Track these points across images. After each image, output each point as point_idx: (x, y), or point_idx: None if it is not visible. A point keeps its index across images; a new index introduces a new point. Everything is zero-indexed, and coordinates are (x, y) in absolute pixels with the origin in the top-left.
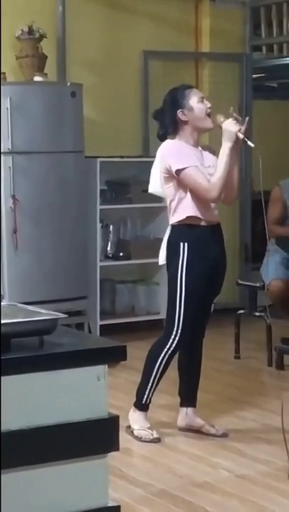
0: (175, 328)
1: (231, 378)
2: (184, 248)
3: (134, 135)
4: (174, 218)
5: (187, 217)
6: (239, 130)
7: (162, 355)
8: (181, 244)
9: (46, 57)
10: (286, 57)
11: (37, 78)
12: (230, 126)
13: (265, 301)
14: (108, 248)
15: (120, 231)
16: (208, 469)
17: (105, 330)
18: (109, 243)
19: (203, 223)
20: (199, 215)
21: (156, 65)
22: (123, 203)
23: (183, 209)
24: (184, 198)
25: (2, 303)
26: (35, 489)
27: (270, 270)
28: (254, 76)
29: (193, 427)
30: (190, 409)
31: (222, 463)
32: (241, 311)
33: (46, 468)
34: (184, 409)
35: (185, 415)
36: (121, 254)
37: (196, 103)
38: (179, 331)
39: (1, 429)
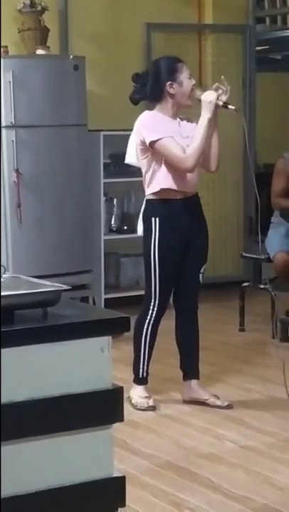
0: (153, 299)
1: (236, 351)
2: (155, 223)
3: (137, 108)
4: (148, 190)
5: (161, 189)
6: (218, 98)
7: (146, 325)
8: (153, 219)
9: (48, 30)
10: None
11: (39, 51)
12: (208, 96)
13: (269, 273)
14: (112, 222)
15: (124, 204)
16: (214, 441)
17: (110, 303)
18: (113, 217)
19: (177, 196)
20: (174, 187)
21: (159, 38)
22: (127, 176)
23: (157, 181)
24: (158, 170)
25: (5, 275)
26: (40, 460)
27: (275, 243)
28: (258, 48)
29: (197, 399)
30: (194, 382)
31: (227, 434)
32: (246, 284)
33: (51, 440)
34: (187, 382)
35: (189, 388)
36: (125, 227)
37: (186, 78)
38: (157, 301)
39: (6, 400)
